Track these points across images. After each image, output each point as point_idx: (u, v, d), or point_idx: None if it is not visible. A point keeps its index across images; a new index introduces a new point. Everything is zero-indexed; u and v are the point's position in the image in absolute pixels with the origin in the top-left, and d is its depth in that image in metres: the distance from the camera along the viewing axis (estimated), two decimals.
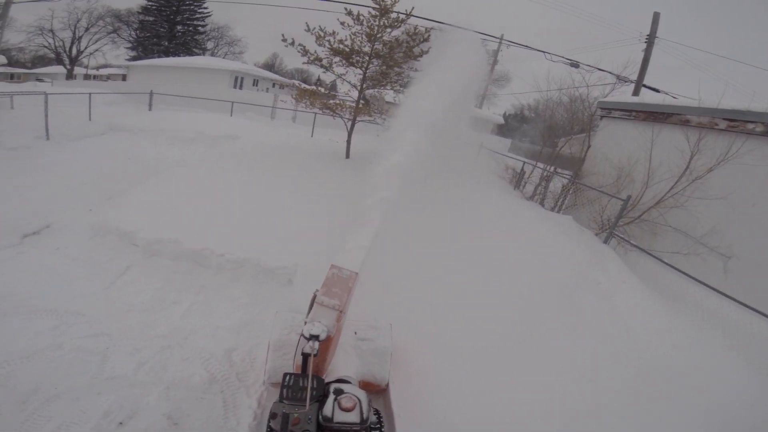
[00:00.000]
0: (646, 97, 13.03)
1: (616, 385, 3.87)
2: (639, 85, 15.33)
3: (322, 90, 9.32)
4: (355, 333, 3.73)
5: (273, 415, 2.45)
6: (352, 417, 2.42)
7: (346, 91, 9.52)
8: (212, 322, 4.14)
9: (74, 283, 4.52)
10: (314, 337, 2.49)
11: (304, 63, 8.76)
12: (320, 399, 2.55)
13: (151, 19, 35.01)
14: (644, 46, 15.26)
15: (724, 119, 6.57)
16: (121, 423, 3.01)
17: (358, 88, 8.99)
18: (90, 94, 11.07)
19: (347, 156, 9.62)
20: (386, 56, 8.39)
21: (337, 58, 8.66)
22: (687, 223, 6.67)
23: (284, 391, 2.59)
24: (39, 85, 18.95)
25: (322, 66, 8.80)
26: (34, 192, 6.48)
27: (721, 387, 3.69)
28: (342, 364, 3.35)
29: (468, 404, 3.61)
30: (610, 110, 9.24)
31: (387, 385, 3.64)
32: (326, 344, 2.65)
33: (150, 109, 13.72)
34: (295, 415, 2.39)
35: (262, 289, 4.61)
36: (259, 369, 3.69)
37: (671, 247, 6.62)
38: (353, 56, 8.48)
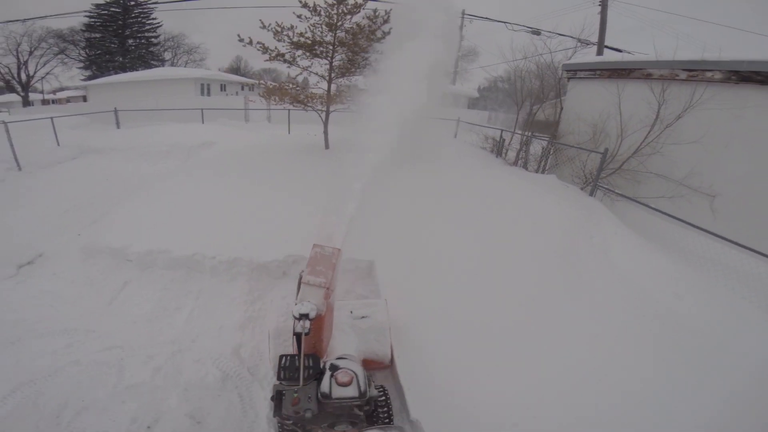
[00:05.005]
0: (607, 56, 13.38)
1: (631, 345, 3.99)
2: (600, 46, 15.93)
3: (293, 86, 9.15)
4: (351, 312, 3.75)
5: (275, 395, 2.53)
6: (350, 391, 2.44)
7: (315, 83, 9.46)
8: (216, 323, 4.30)
9: (77, 303, 4.65)
10: (304, 316, 2.53)
11: (266, 60, 8.66)
12: (318, 377, 2.59)
13: (98, 35, 32.99)
14: (599, 9, 15.83)
15: (684, 70, 6.88)
16: (149, 427, 3.19)
17: (327, 78, 8.94)
18: (52, 118, 10.76)
19: (326, 147, 9.69)
20: (350, 43, 8.33)
21: (299, 52, 8.57)
22: (666, 167, 6.93)
23: (281, 372, 2.63)
24: None
25: (285, 61, 8.69)
26: (19, 224, 6.46)
27: (739, 341, 3.80)
28: (341, 344, 3.40)
29: (476, 376, 3.69)
30: (575, 71, 9.55)
31: (391, 361, 3.63)
32: (318, 323, 2.69)
33: (118, 127, 13.39)
34: (294, 395, 2.41)
35: (258, 285, 4.77)
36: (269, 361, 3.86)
37: (655, 192, 6.87)
38: (316, 47, 8.39)
